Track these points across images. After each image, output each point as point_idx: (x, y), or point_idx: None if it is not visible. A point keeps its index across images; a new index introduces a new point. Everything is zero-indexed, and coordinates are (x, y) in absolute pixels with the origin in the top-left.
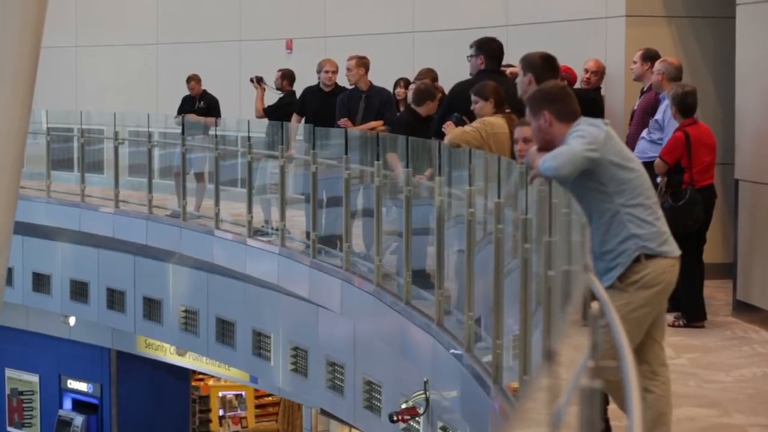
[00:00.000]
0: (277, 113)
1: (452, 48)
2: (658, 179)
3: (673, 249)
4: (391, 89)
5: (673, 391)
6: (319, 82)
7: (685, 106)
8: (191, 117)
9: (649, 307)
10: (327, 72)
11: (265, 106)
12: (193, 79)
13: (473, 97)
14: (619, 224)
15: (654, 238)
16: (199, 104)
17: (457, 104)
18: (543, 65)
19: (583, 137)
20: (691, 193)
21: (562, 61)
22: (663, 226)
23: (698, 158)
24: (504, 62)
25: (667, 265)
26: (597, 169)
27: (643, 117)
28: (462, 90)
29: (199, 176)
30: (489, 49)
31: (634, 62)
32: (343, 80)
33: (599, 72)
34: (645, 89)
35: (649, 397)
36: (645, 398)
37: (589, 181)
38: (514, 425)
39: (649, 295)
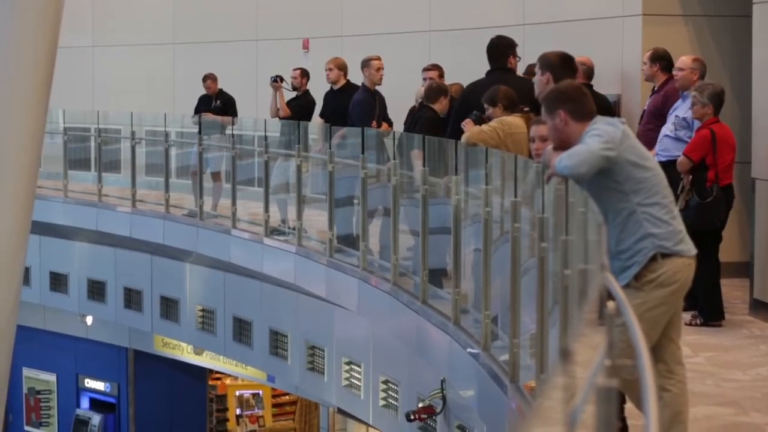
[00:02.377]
0: (301, 112)
1: (468, 47)
2: (682, 176)
3: (689, 248)
4: (404, 88)
5: (690, 390)
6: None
7: (720, 104)
8: (207, 116)
9: (665, 306)
10: (329, 70)
11: (279, 106)
12: (209, 78)
13: (485, 105)
14: (636, 223)
15: (670, 237)
16: (216, 103)
17: (472, 106)
18: (561, 64)
19: (599, 136)
20: (717, 191)
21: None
22: (679, 225)
23: (722, 156)
24: (522, 62)
25: (683, 263)
26: (613, 167)
27: (652, 118)
28: (474, 91)
29: (216, 176)
30: (489, 49)
31: (644, 63)
32: (355, 79)
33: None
34: (656, 89)
35: (665, 395)
36: (662, 397)
37: (605, 180)
38: (531, 424)
39: (665, 294)
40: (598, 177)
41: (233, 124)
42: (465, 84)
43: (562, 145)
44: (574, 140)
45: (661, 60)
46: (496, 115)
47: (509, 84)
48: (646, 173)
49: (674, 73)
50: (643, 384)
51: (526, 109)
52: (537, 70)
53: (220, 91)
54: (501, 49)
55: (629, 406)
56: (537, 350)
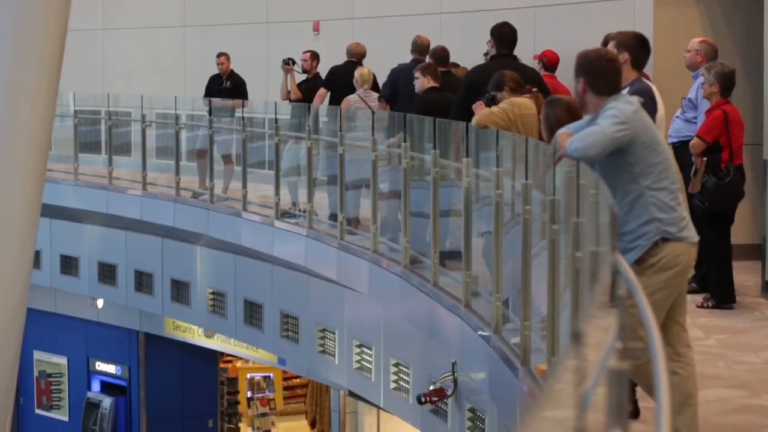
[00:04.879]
0: (312, 95)
1: (479, 29)
2: (693, 158)
3: (692, 234)
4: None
5: (701, 372)
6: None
7: (729, 85)
8: (216, 101)
9: (668, 290)
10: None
11: (290, 89)
12: (223, 54)
13: (493, 92)
14: (642, 206)
15: (675, 223)
16: (226, 84)
17: (478, 89)
18: (639, 44)
19: (615, 117)
20: (734, 171)
21: (592, 43)
22: (683, 211)
23: (734, 137)
24: (533, 44)
25: (684, 247)
26: (627, 148)
27: None
28: (480, 74)
29: (227, 158)
30: (500, 34)
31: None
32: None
33: None
34: None
35: (674, 379)
36: (670, 380)
37: (617, 160)
38: (542, 407)
39: (666, 277)
40: (609, 157)
41: (243, 106)
42: (471, 64)
43: (583, 109)
44: (589, 110)
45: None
46: (503, 99)
47: (517, 71)
48: (657, 158)
49: (683, 54)
50: (654, 367)
51: (534, 89)
52: (613, 48)
53: (231, 72)
54: (512, 36)
55: (640, 389)
56: (548, 333)
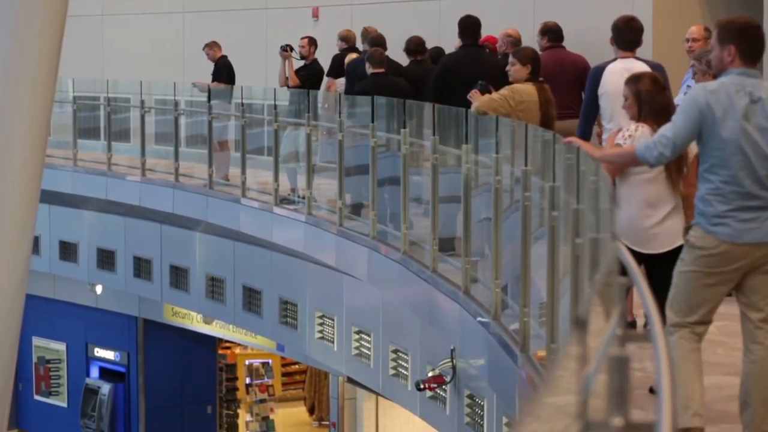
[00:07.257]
0: (310, 81)
1: (479, 15)
2: None
3: (727, 232)
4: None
5: (702, 359)
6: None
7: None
8: (197, 82)
9: (698, 272)
10: None
11: (288, 75)
12: (207, 45)
13: (511, 59)
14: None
15: (706, 216)
16: (214, 69)
17: (453, 75)
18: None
19: (668, 132)
20: None
21: (589, 28)
22: (730, 212)
23: None
24: (532, 27)
25: (709, 236)
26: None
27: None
28: (456, 62)
29: (223, 144)
30: (463, 26)
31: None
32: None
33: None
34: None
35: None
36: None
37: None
38: (541, 394)
39: (693, 256)
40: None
41: (241, 91)
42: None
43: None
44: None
45: (550, 33)
46: (520, 73)
47: (483, 59)
48: (711, 149)
49: (689, 44)
50: (655, 354)
51: (540, 78)
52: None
53: (220, 57)
54: (476, 27)
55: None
56: (548, 319)
